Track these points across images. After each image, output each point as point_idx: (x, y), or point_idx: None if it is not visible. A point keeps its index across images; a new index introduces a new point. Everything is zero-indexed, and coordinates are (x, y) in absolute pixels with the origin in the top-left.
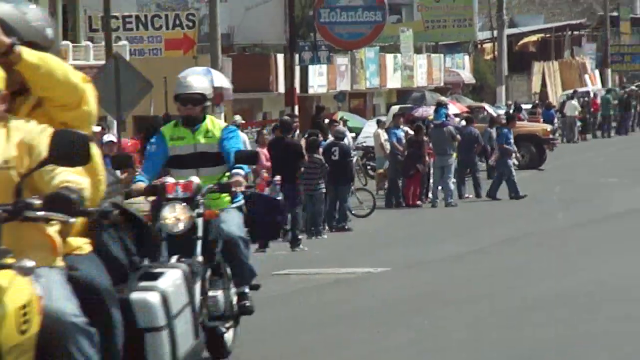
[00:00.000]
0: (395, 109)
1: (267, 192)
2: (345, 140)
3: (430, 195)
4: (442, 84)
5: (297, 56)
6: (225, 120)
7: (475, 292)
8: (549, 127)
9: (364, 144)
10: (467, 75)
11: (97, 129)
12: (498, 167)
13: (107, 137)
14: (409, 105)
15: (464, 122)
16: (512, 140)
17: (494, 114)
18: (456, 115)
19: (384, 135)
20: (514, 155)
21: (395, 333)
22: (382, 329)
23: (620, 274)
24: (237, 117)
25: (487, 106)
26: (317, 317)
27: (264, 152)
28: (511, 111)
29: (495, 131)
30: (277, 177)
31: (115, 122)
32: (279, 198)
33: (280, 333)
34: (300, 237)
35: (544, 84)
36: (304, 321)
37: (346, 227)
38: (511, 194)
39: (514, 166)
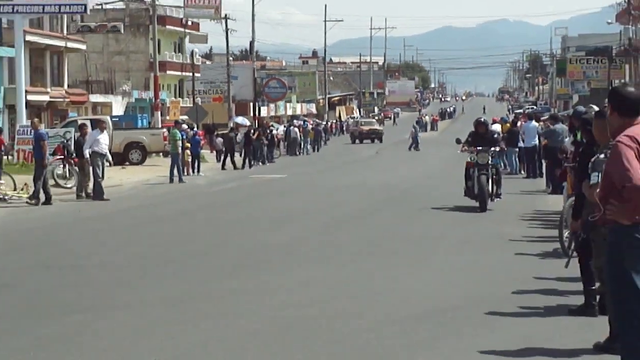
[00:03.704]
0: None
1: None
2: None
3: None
4: (306, 114)
5: (257, 103)
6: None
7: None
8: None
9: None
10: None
11: (185, 127)
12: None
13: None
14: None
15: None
16: None
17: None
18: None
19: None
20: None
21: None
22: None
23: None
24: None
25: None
26: (260, 190)
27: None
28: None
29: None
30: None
31: (196, 125)
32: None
33: (251, 196)
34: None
35: (339, 116)
36: (259, 190)
37: (273, 160)
38: None
39: None
